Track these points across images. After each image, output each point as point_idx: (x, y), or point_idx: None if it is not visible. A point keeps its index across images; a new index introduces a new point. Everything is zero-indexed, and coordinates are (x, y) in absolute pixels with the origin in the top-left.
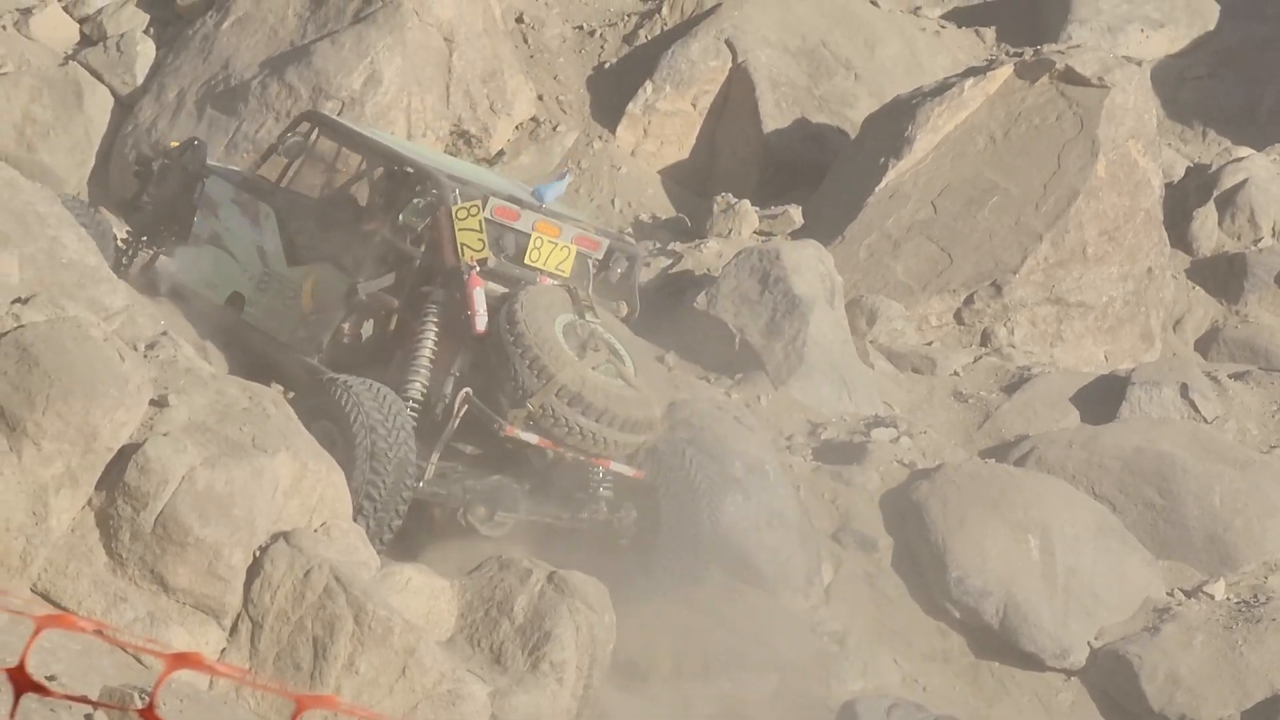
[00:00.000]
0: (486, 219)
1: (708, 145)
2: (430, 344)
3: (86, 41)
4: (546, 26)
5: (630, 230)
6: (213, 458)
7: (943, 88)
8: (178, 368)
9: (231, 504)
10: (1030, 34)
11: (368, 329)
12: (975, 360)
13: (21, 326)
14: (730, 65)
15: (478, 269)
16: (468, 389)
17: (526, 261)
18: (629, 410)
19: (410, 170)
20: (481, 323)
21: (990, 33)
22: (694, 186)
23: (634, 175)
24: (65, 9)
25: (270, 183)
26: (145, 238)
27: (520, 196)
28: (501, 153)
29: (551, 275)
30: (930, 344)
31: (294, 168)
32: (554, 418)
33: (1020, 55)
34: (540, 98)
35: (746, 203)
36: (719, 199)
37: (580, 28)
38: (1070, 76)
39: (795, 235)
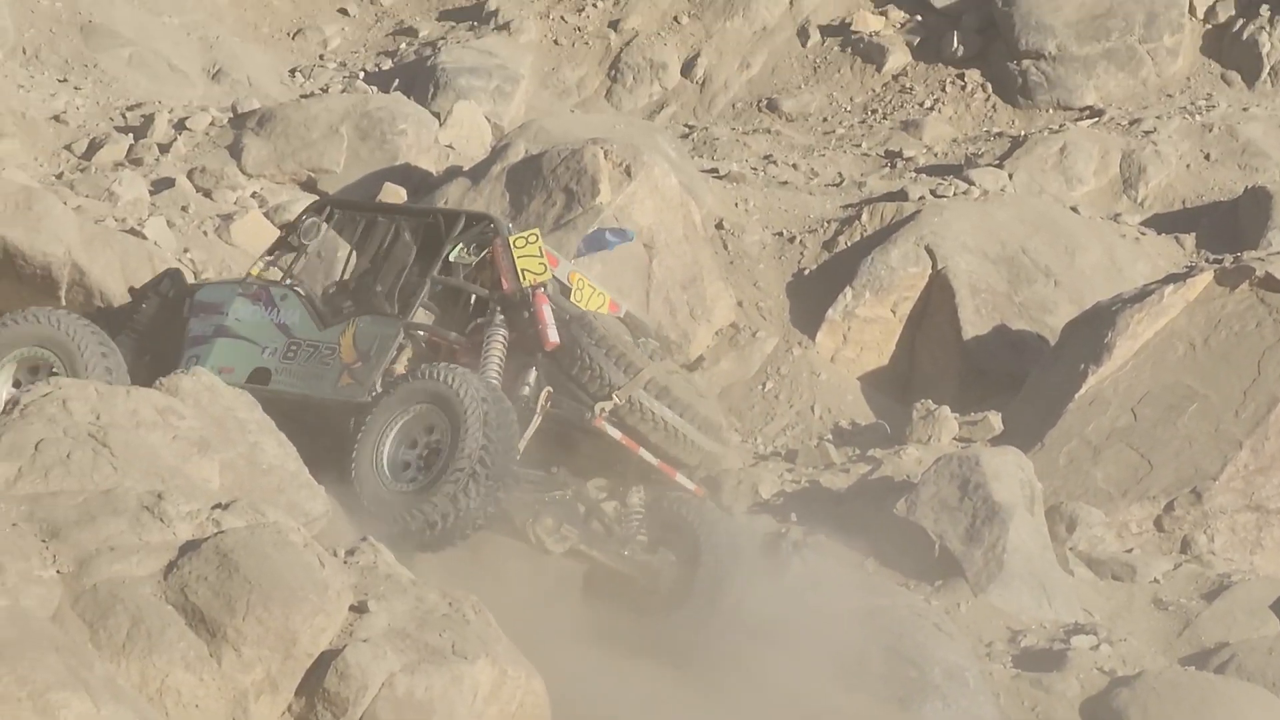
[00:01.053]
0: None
1: (907, 351)
2: (498, 359)
3: (285, 247)
4: (746, 233)
5: (831, 437)
6: (412, 664)
7: (1143, 294)
8: (377, 573)
9: (431, 711)
10: (1230, 240)
11: (416, 366)
12: (1175, 567)
13: (222, 532)
14: (930, 271)
15: (543, 289)
16: (549, 388)
17: (573, 300)
18: (708, 410)
19: (455, 214)
20: (553, 334)
21: (1190, 239)
22: (893, 392)
23: (833, 381)
24: (266, 215)
25: (271, 280)
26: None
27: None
28: (701, 358)
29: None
30: (1130, 551)
31: (302, 257)
32: (641, 411)
33: (1220, 262)
34: (740, 304)
35: (946, 409)
36: (918, 405)
37: (780, 234)
38: (1270, 283)
39: (995, 442)
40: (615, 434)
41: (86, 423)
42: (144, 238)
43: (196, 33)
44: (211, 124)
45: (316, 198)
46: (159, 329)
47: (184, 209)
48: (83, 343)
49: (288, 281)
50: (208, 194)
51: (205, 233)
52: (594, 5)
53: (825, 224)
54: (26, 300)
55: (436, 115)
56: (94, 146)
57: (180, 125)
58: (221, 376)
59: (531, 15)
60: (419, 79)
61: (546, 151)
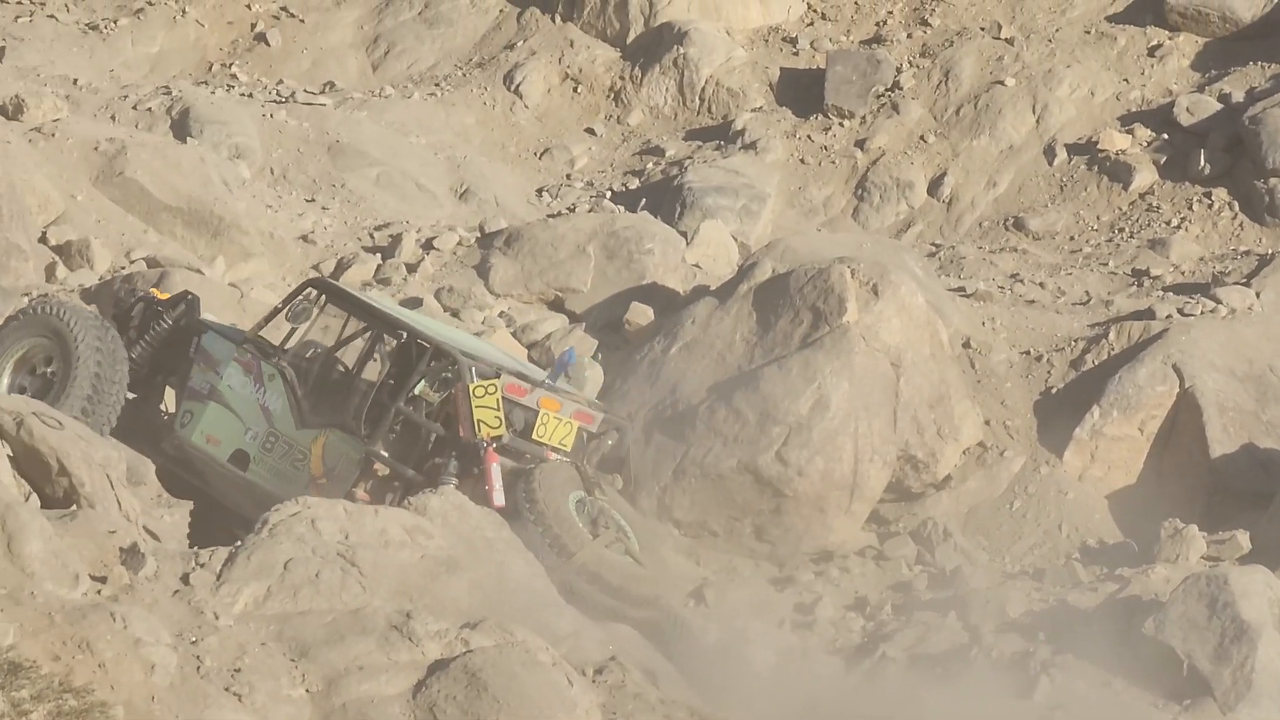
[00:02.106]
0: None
1: (1154, 470)
2: None
3: None
4: (994, 352)
5: (1079, 556)
6: None
7: None
8: (625, 692)
9: None
10: None
11: (378, 495)
12: None
13: (470, 652)
14: (1177, 390)
15: (494, 445)
16: None
17: (534, 437)
18: (640, 586)
19: (425, 345)
20: (499, 498)
21: None
22: (1140, 511)
23: (1081, 500)
24: (514, 334)
25: (273, 345)
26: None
27: (524, 372)
28: (949, 478)
29: (555, 450)
30: None
31: (298, 333)
32: (571, 594)
33: None
34: (987, 422)
35: (1194, 528)
36: (1166, 524)
37: (1027, 353)
38: None
39: (1243, 560)
40: None
41: (335, 542)
42: None
43: (444, 152)
44: (459, 244)
45: (565, 316)
46: (169, 349)
47: None
48: (79, 331)
49: (276, 360)
50: (455, 313)
51: None
52: (840, 124)
53: (1072, 342)
54: None
55: (683, 234)
56: (342, 266)
57: (428, 245)
58: (207, 447)
59: (778, 134)
60: (666, 198)
61: (793, 270)
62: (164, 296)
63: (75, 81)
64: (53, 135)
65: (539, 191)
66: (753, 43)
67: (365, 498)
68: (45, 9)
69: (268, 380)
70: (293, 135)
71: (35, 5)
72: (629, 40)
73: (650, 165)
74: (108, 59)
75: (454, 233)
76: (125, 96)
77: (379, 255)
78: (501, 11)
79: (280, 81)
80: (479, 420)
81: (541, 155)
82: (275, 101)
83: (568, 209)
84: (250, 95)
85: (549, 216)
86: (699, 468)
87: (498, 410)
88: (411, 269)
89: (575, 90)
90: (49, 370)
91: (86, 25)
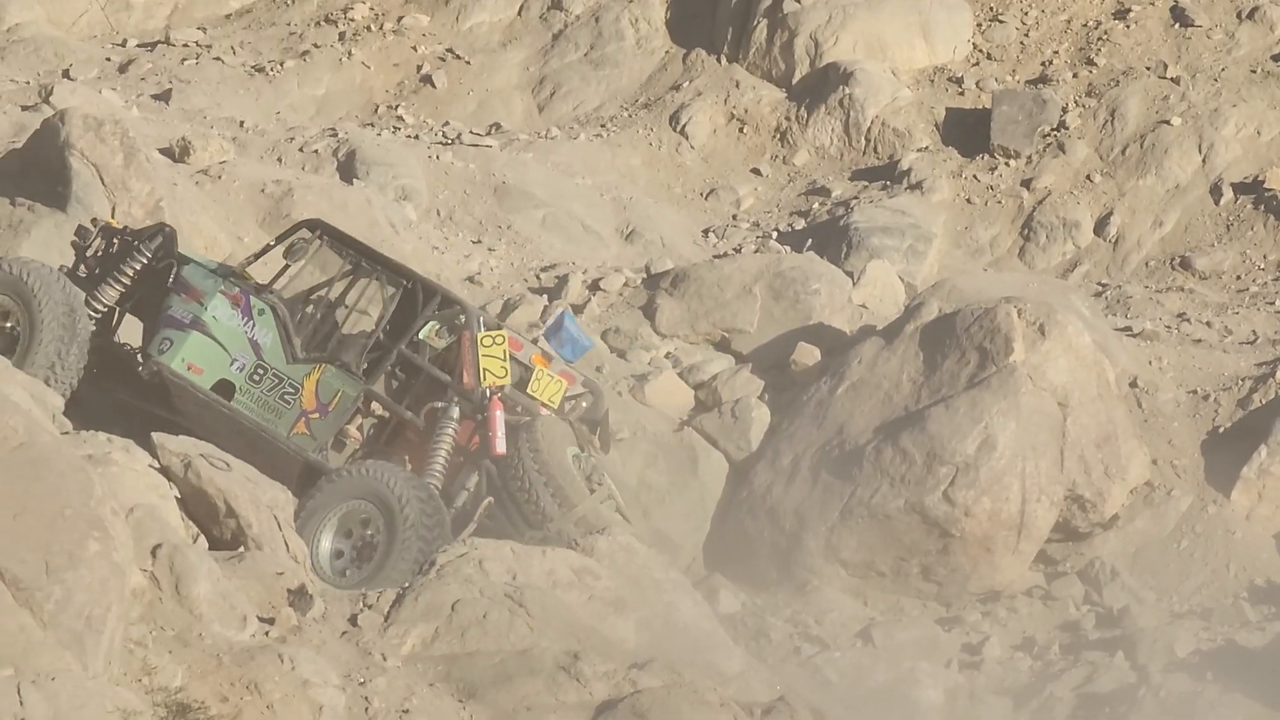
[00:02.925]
0: None
1: None
2: (444, 457)
3: (701, 407)
4: (1160, 391)
5: (1246, 595)
6: None
7: None
8: None
9: None
10: None
11: (369, 434)
12: None
13: (638, 692)
14: None
15: (498, 394)
16: (490, 500)
17: (529, 392)
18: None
19: (433, 291)
20: (501, 445)
21: None
22: None
23: (1248, 539)
24: (680, 375)
25: (259, 283)
26: (101, 312)
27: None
28: (1116, 517)
29: (545, 406)
30: None
31: (290, 270)
32: (567, 544)
33: None
34: (1154, 462)
35: None
36: None
37: (1194, 392)
38: None
39: None
40: None
41: (502, 583)
42: None
43: (610, 193)
44: (625, 284)
45: (731, 357)
46: (141, 283)
47: (599, 369)
48: (41, 291)
49: (267, 295)
50: (622, 354)
51: (620, 393)
52: (1006, 164)
53: (1239, 381)
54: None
55: (849, 274)
56: (508, 307)
57: (594, 286)
58: (188, 374)
59: (944, 174)
60: (832, 238)
61: (960, 310)
62: (126, 226)
63: (242, 124)
64: (219, 177)
65: (705, 232)
66: (918, 83)
67: (356, 436)
68: (212, 52)
69: (257, 314)
70: (459, 177)
71: (202, 48)
72: (795, 80)
73: (816, 205)
74: (274, 101)
75: (620, 274)
76: (291, 138)
77: (545, 296)
78: (667, 52)
79: (446, 123)
80: (485, 369)
81: (707, 196)
82: (441, 143)
83: (734, 249)
84: (416, 137)
85: (715, 257)
86: (866, 508)
87: (504, 360)
88: (578, 310)
89: (741, 131)
90: (9, 325)
91: (253, 68)
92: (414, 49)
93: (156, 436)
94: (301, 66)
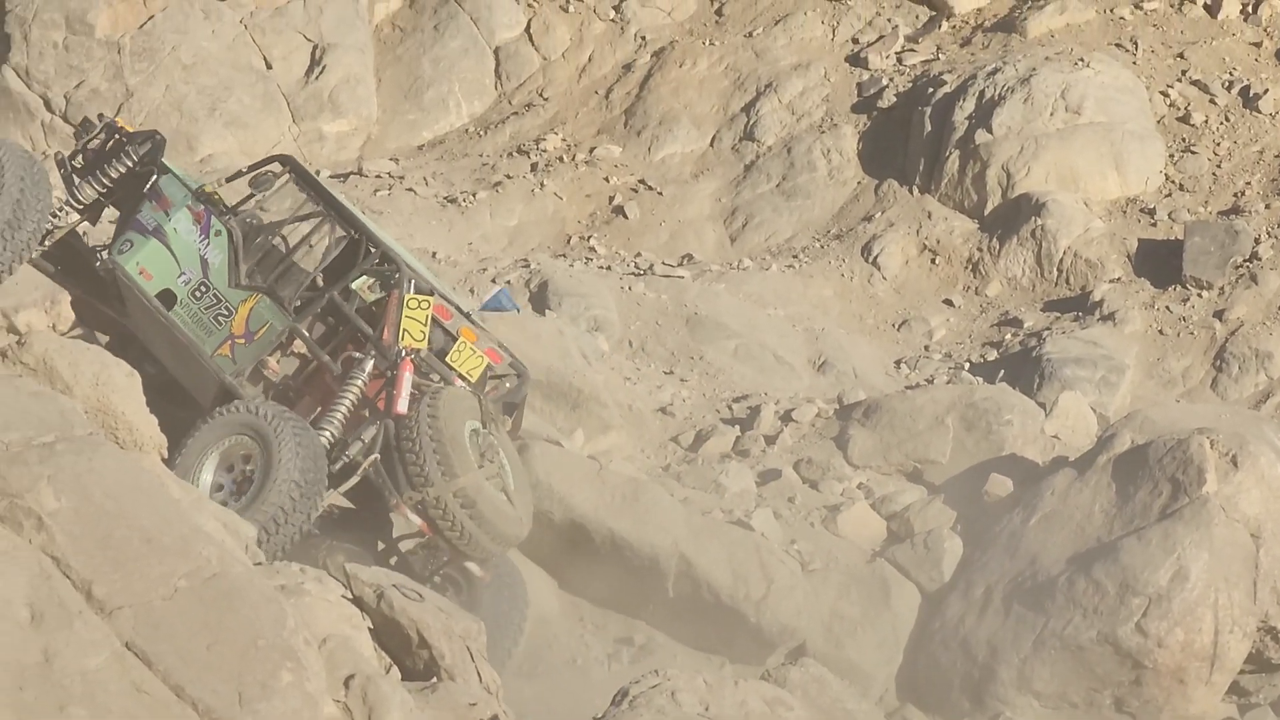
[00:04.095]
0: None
1: None
2: (349, 405)
3: (893, 538)
4: None
5: None
6: None
7: None
8: None
9: None
10: None
11: (286, 367)
12: None
13: None
14: None
15: (411, 356)
16: (376, 456)
17: (447, 361)
18: (505, 525)
19: (375, 246)
20: (403, 405)
21: None
22: None
23: None
24: (873, 506)
25: (226, 204)
26: (81, 205)
27: (456, 301)
28: None
29: (462, 378)
30: None
31: (253, 200)
32: (443, 512)
33: None
34: None
35: None
36: None
37: None
38: None
39: None
40: (414, 519)
41: (695, 714)
42: (751, 529)
43: (802, 324)
44: (817, 415)
45: (923, 488)
46: (124, 184)
47: (790, 500)
48: (4, 159)
49: (228, 216)
50: (814, 485)
51: (812, 524)
52: (1198, 295)
53: None
54: (630, 592)
55: (1042, 405)
56: (700, 438)
57: (786, 416)
58: (138, 278)
59: (1136, 305)
60: (1024, 369)
61: (1153, 441)
62: (129, 129)
63: (434, 254)
64: None
65: (897, 363)
66: (1110, 214)
67: (275, 369)
68: (404, 183)
69: (213, 235)
70: (651, 307)
71: (394, 179)
72: (987, 211)
73: (1008, 336)
74: (466, 232)
75: (812, 404)
76: (484, 269)
77: (737, 427)
78: (859, 183)
79: (638, 254)
80: (405, 329)
81: (899, 326)
82: (634, 274)
83: (926, 380)
84: (609, 267)
85: (907, 388)
86: (1059, 639)
87: (424, 325)
88: (770, 440)
89: (933, 261)
90: None
91: (445, 199)
92: (606, 179)
93: (350, 567)
94: (494, 197)
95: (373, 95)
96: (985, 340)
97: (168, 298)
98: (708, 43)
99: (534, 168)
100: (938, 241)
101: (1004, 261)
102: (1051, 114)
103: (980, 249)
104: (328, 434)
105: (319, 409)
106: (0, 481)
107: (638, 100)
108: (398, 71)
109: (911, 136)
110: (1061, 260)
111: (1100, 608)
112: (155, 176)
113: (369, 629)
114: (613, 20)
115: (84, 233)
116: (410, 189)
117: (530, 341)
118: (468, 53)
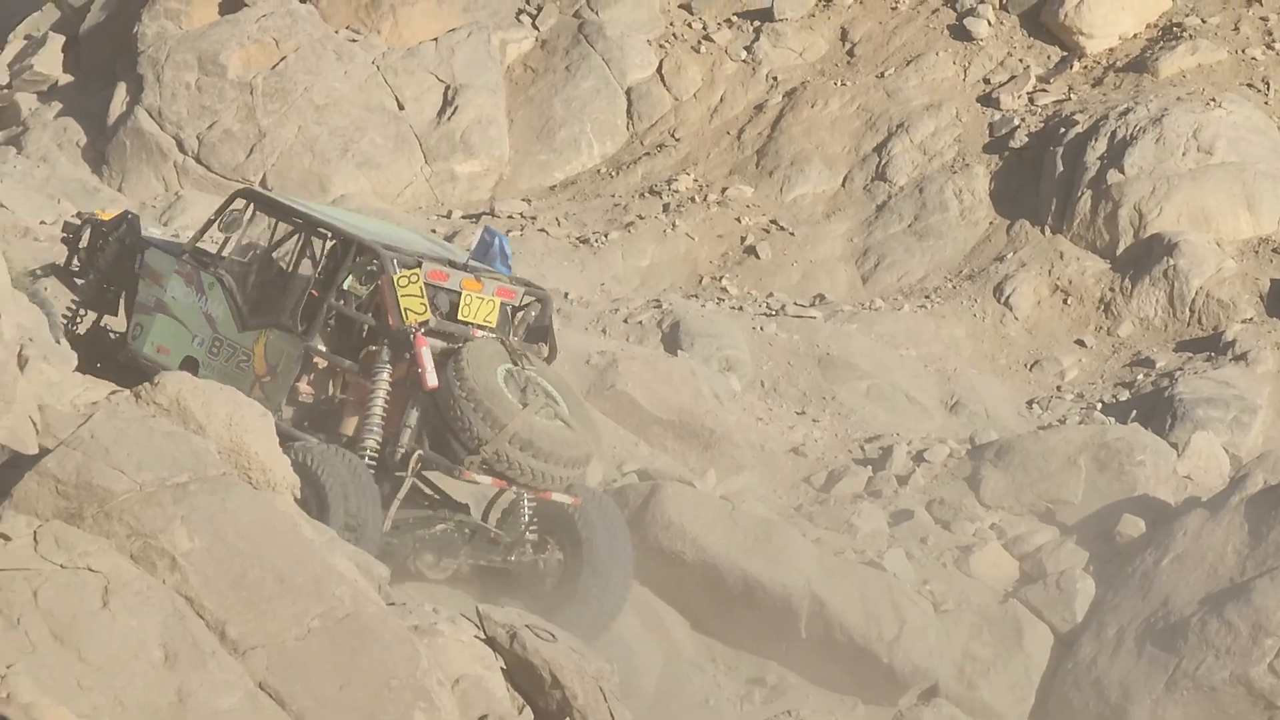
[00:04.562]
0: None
1: None
2: (382, 400)
3: (1026, 579)
4: None
5: None
6: None
7: None
8: None
9: None
10: None
11: (320, 387)
12: None
13: None
14: None
15: (422, 329)
16: (420, 451)
17: (460, 317)
18: (570, 449)
19: (349, 242)
20: (432, 378)
21: None
22: None
23: None
24: (1004, 546)
25: (211, 255)
26: (86, 306)
27: (448, 257)
28: None
29: (481, 327)
30: None
31: (232, 241)
32: (507, 461)
33: None
34: None
35: None
36: None
37: None
38: None
39: None
40: (485, 480)
41: None
42: (883, 569)
43: (934, 365)
44: (949, 455)
45: (1056, 528)
46: (117, 268)
47: (923, 540)
48: None
49: (213, 268)
50: (946, 525)
51: (944, 564)
52: None
53: None
54: (763, 633)
55: (1174, 446)
56: (833, 478)
57: (918, 457)
58: (158, 357)
59: (1269, 346)
60: (1156, 409)
61: None
62: (106, 217)
63: (566, 295)
64: None
65: (1029, 403)
66: (1243, 254)
67: (309, 391)
68: (536, 223)
69: (208, 289)
70: (783, 348)
71: (527, 220)
72: (1119, 251)
73: (1140, 376)
74: (598, 272)
75: (944, 445)
76: (616, 309)
77: (869, 467)
78: (991, 223)
79: (770, 294)
80: (405, 308)
81: (1031, 367)
82: (765, 314)
83: (1058, 421)
84: (740, 308)
85: (1040, 428)
86: (1191, 680)
87: (422, 297)
88: (902, 481)
89: (1065, 302)
90: None
91: (577, 239)
92: (738, 220)
93: (481, 608)
94: (626, 237)
95: (505, 136)
96: (1117, 380)
97: (191, 365)
98: (839, 83)
99: (666, 208)
100: (1070, 281)
101: (1136, 302)
102: (1183, 154)
103: (1112, 289)
104: (371, 442)
105: (357, 416)
106: (135, 522)
107: (769, 140)
108: (529, 112)
109: (1043, 176)
110: (1194, 300)
111: (1233, 648)
112: (141, 255)
113: (502, 669)
114: (744, 61)
115: (106, 325)
116: (542, 229)
117: (662, 382)
118: (600, 93)
